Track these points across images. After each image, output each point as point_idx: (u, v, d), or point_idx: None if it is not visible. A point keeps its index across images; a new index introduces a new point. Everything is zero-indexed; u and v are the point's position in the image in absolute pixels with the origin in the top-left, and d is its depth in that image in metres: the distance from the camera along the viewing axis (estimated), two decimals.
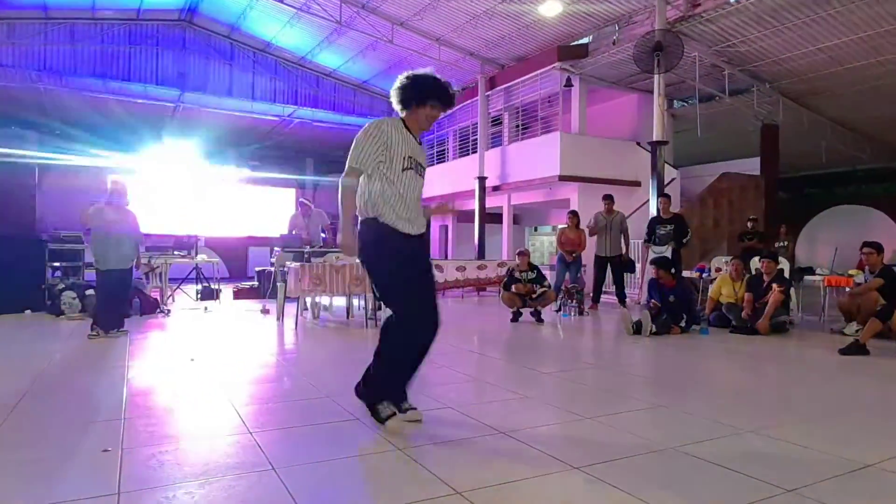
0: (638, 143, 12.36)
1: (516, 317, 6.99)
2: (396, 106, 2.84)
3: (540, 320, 6.96)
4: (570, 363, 4.81)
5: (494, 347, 5.62)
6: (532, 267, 7.20)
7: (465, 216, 15.58)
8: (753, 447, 2.61)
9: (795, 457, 2.50)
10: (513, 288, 7.10)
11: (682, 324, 6.15)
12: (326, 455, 2.46)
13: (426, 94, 2.79)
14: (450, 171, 15.52)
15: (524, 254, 7.31)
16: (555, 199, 12.69)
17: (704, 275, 7.93)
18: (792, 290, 6.58)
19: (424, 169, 2.90)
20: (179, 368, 4.32)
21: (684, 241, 7.84)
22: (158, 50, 13.82)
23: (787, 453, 2.54)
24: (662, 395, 3.58)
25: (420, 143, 2.89)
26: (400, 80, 2.81)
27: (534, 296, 7.06)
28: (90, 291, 7.20)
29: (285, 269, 7.02)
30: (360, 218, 2.79)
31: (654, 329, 5.85)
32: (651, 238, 8.05)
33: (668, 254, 7.63)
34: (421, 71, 2.83)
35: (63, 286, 7.45)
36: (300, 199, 9.69)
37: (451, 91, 2.86)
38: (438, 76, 2.83)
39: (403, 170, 2.75)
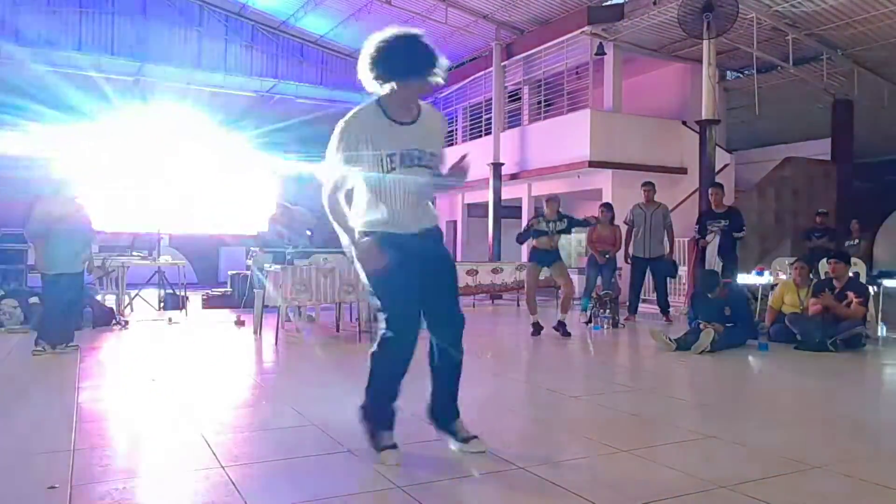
0: (684, 123, 12.32)
1: (537, 330, 6.97)
2: (372, 81, 2.64)
3: (566, 333, 6.93)
4: (602, 385, 4.80)
5: (512, 365, 5.61)
6: (562, 217, 7.11)
7: (478, 210, 15.59)
8: (823, 487, 2.59)
9: (874, 498, 2.47)
10: (535, 243, 7.04)
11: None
12: (311, 494, 2.46)
13: (425, 60, 2.61)
14: (459, 156, 15.52)
15: (554, 199, 7.22)
16: (584, 189, 12.67)
17: (764, 280, 7.89)
18: (870, 299, 6.53)
19: (426, 153, 2.75)
20: (139, 391, 4.34)
21: (738, 237, 7.81)
22: (114, 14, 13.91)
23: (864, 493, 2.51)
24: (713, 424, 3.56)
25: (413, 122, 2.73)
26: (377, 45, 2.59)
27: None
28: (34, 299, 7.25)
29: (264, 272, 7.05)
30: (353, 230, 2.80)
31: (707, 349, 5.80)
32: (702, 236, 8.03)
33: (714, 247, 7.62)
34: (393, 31, 2.62)
35: (2, 293, 7.51)
36: (279, 202, 9.75)
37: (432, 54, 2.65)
38: (412, 35, 2.63)
39: (387, 171, 2.68)
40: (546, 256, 7.05)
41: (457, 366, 2.98)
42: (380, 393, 2.87)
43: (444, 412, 3.00)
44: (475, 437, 2.93)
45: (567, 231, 7.12)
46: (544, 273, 7.19)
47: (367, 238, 2.75)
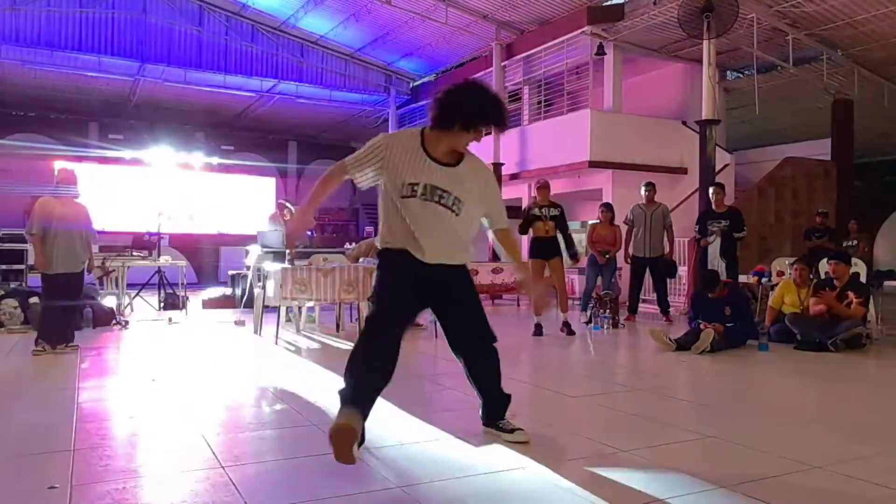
0: (684, 123, 12.32)
1: (539, 331, 6.97)
2: (430, 120, 2.82)
3: (571, 332, 6.94)
4: (603, 385, 4.80)
5: (512, 366, 5.59)
6: (555, 205, 7.09)
7: None
8: (824, 487, 2.59)
9: (874, 498, 2.47)
10: (533, 229, 6.97)
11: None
12: (311, 494, 2.46)
13: (477, 116, 2.77)
14: None
15: (545, 186, 7.19)
16: (584, 189, 12.67)
17: (764, 280, 7.89)
18: (870, 299, 6.53)
19: (451, 196, 2.82)
20: (139, 391, 4.35)
21: (738, 237, 7.80)
22: (114, 14, 13.91)
23: (864, 493, 2.51)
24: (713, 424, 3.56)
25: (448, 165, 2.84)
26: (452, 88, 2.81)
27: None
28: (34, 299, 7.25)
29: (264, 272, 7.05)
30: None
31: (707, 349, 5.81)
32: (703, 236, 8.03)
33: (715, 247, 7.61)
34: (473, 84, 2.84)
35: (2, 293, 7.51)
36: (279, 200, 9.77)
37: (503, 111, 2.87)
38: (490, 90, 2.85)
39: (403, 197, 2.77)
40: (545, 248, 7.00)
41: (488, 374, 3.17)
42: (351, 363, 2.81)
43: (487, 415, 3.23)
44: (519, 428, 3.11)
45: (561, 220, 7.03)
46: (547, 271, 7.15)
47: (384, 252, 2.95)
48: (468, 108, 2.77)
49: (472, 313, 3.08)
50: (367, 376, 2.77)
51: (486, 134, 2.92)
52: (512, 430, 3.10)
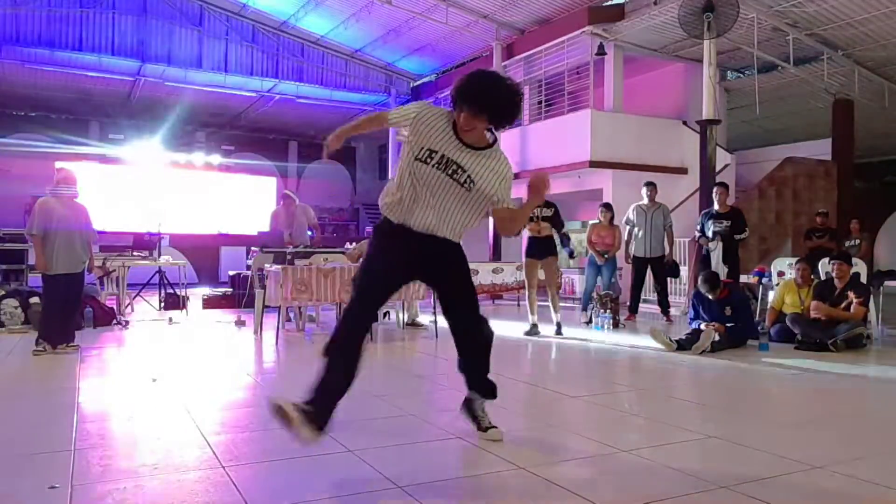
0: (684, 123, 12.31)
1: (534, 331, 6.96)
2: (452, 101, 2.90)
3: (559, 332, 6.94)
4: (603, 385, 4.80)
5: (512, 366, 5.61)
6: (548, 204, 6.99)
7: None
8: (824, 487, 2.59)
9: (874, 498, 2.47)
10: (527, 230, 6.91)
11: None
12: (313, 494, 2.46)
13: (467, 97, 2.79)
14: None
15: None
16: (584, 189, 12.66)
17: (764, 280, 7.88)
18: (870, 299, 6.53)
19: (465, 174, 2.86)
20: (139, 390, 4.35)
21: (739, 238, 7.80)
22: (115, 14, 13.92)
23: (864, 493, 2.51)
24: (714, 424, 3.56)
25: (471, 148, 2.86)
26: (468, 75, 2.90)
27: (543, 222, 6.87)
28: (35, 299, 7.25)
29: (264, 273, 7.04)
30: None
31: (707, 349, 5.81)
32: (704, 236, 8.03)
33: (719, 251, 7.60)
34: (485, 71, 2.91)
35: (3, 293, 7.51)
36: (283, 191, 9.76)
37: (497, 102, 2.80)
38: (499, 79, 2.85)
39: (417, 159, 2.84)
40: (539, 248, 6.97)
41: (480, 348, 3.13)
42: (326, 362, 2.81)
43: (470, 398, 3.19)
44: (494, 426, 3.11)
45: (555, 219, 6.97)
46: (541, 274, 7.15)
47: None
48: (481, 92, 2.80)
49: (468, 283, 3.15)
50: (332, 379, 2.79)
51: (504, 126, 2.94)
52: (487, 428, 3.11)
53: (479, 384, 3.15)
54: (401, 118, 2.94)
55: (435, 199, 2.88)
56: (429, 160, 2.84)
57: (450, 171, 2.85)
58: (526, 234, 7.21)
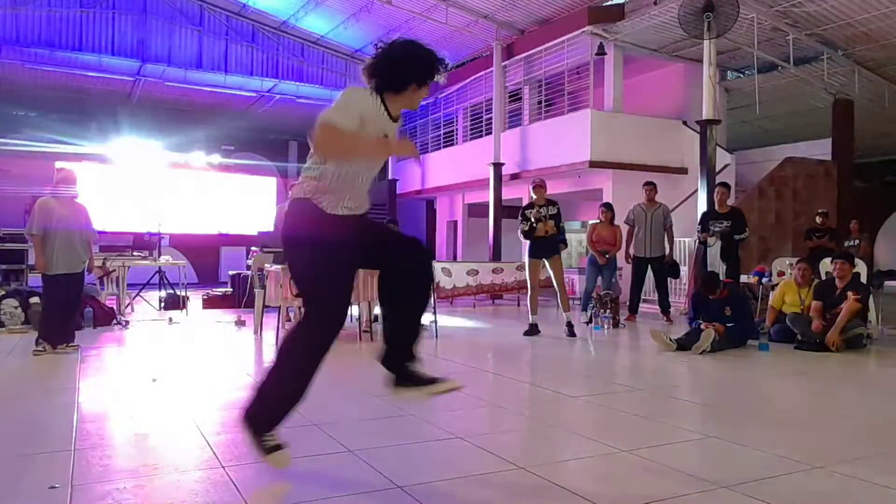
0: (684, 123, 12.31)
1: (534, 331, 6.94)
2: (372, 81, 2.66)
3: (572, 334, 6.89)
4: (603, 385, 4.79)
5: (512, 366, 5.61)
6: (551, 202, 7.03)
7: (478, 210, 15.59)
8: (824, 487, 2.59)
9: (874, 498, 2.47)
10: (534, 225, 6.85)
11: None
12: (312, 495, 2.46)
13: (429, 72, 2.68)
14: (459, 156, 15.53)
15: (541, 186, 7.10)
16: (584, 189, 12.67)
17: (764, 279, 7.88)
18: (870, 298, 6.53)
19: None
20: (139, 390, 4.35)
21: (739, 238, 7.80)
22: (115, 14, 13.92)
23: (864, 493, 2.51)
24: (713, 424, 3.56)
25: (396, 120, 2.73)
26: (390, 51, 2.67)
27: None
28: (35, 299, 7.25)
29: (264, 272, 7.05)
30: (291, 197, 2.71)
31: (707, 349, 5.80)
32: (703, 232, 8.03)
33: (716, 249, 7.60)
34: (402, 40, 2.73)
35: (3, 293, 7.51)
36: (291, 185, 9.75)
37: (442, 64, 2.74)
38: (415, 42, 2.73)
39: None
40: (543, 247, 6.94)
41: (420, 298, 2.86)
42: (296, 376, 2.69)
43: (395, 355, 2.84)
44: (438, 378, 2.75)
45: (558, 219, 6.96)
46: (544, 273, 7.14)
47: (307, 204, 2.58)
48: (417, 67, 2.66)
49: (396, 236, 2.91)
50: (293, 400, 2.69)
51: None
52: (432, 381, 2.72)
53: (413, 338, 2.87)
54: (352, 117, 2.51)
55: (367, 182, 2.70)
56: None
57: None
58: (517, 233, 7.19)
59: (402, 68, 2.65)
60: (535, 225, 6.89)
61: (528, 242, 7.12)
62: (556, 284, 7.07)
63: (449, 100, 16.32)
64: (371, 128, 2.57)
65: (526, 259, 7.18)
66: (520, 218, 7.13)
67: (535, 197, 7.10)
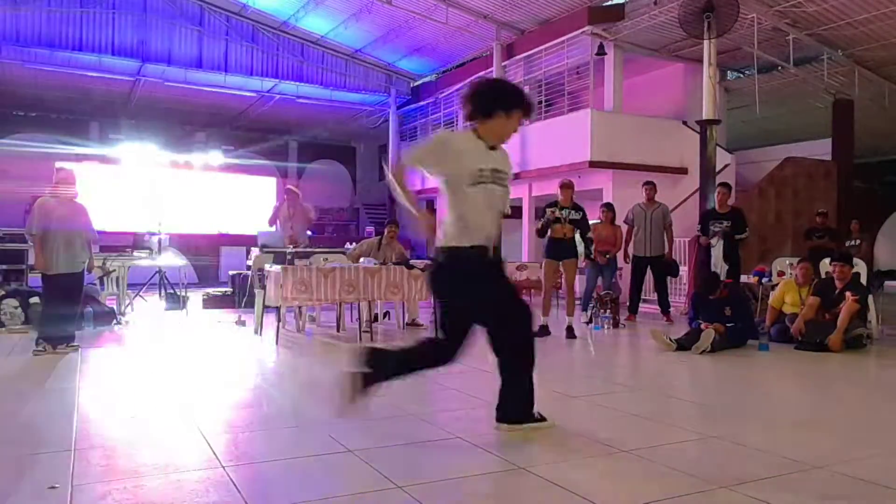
0: (684, 123, 12.31)
1: (544, 332, 6.83)
2: (467, 108, 3.10)
3: (572, 336, 6.86)
4: (603, 385, 4.79)
5: None
6: (577, 207, 6.87)
7: None
8: (824, 487, 2.59)
9: (874, 498, 2.47)
10: (550, 231, 6.76)
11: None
12: (312, 494, 2.46)
13: (514, 101, 3.08)
14: None
15: (569, 186, 6.94)
16: (585, 189, 12.63)
17: (764, 279, 7.88)
18: (870, 299, 6.53)
19: (503, 175, 3.13)
20: (139, 390, 4.35)
21: (739, 237, 7.79)
22: (115, 14, 13.91)
23: (864, 493, 2.51)
24: (713, 424, 3.56)
25: (494, 149, 3.10)
26: (480, 83, 3.21)
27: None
28: (35, 299, 7.25)
29: (264, 272, 7.04)
30: (437, 245, 3.09)
31: (707, 349, 5.80)
32: (705, 236, 8.02)
33: (719, 250, 7.60)
34: (492, 77, 3.14)
35: (3, 293, 7.51)
36: (287, 186, 9.77)
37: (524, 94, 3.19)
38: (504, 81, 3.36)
39: (474, 184, 2.98)
40: (560, 250, 6.84)
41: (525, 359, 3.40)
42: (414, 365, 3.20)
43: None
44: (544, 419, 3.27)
45: (582, 223, 6.86)
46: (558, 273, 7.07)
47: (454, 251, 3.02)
48: (503, 95, 3.10)
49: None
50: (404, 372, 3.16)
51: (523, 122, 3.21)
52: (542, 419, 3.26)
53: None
54: (428, 150, 3.07)
55: (492, 212, 3.07)
56: (483, 179, 2.99)
57: (496, 180, 3.07)
58: (548, 234, 7.11)
59: (489, 95, 3.11)
60: (550, 224, 6.81)
61: (546, 242, 6.99)
62: (565, 287, 7.04)
63: (449, 100, 16.32)
64: (467, 159, 2.99)
65: (543, 259, 7.07)
66: (544, 217, 6.98)
67: (561, 198, 6.93)
